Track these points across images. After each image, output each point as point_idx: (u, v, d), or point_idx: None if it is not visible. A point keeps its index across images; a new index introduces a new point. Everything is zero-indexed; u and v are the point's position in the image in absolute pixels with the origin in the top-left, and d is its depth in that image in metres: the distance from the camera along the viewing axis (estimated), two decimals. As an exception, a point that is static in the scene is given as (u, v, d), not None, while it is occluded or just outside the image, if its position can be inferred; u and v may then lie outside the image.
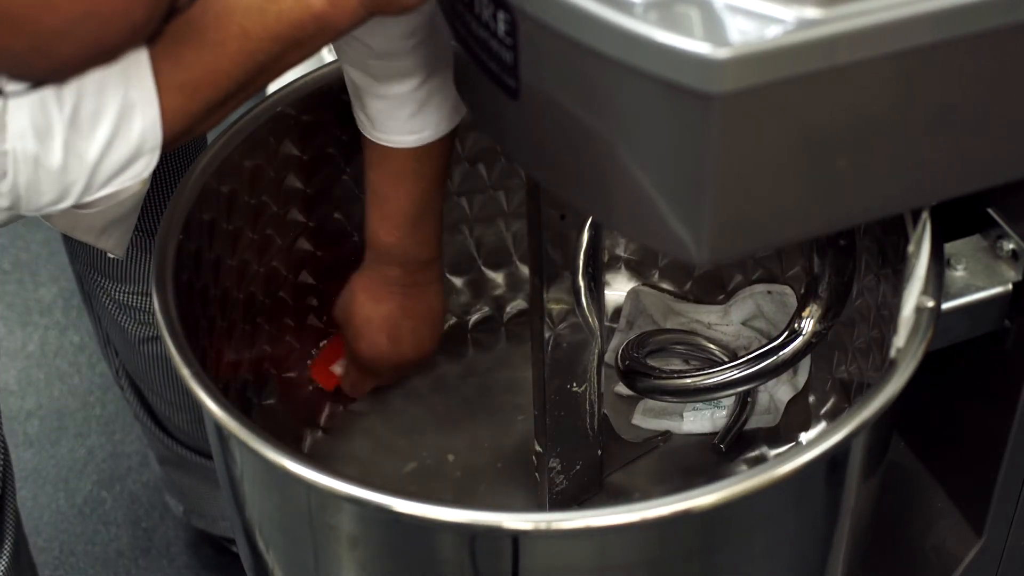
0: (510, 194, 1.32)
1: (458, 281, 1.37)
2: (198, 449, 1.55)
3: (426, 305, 1.21)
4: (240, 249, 1.18)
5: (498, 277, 1.38)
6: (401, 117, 1.10)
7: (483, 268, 1.38)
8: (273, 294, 1.24)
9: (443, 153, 1.14)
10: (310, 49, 0.91)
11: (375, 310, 1.19)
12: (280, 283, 1.25)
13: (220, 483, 1.05)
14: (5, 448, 1.18)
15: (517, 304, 1.37)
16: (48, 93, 0.81)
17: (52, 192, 0.85)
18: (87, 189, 0.86)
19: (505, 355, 1.35)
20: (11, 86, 0.78)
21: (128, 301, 1.36)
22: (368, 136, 1.13)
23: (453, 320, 1.37)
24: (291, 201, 1.23)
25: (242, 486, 0.98)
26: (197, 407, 1.42)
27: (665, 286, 1.35)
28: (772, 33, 0.68)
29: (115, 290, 1.36)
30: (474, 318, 1.37)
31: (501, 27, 0.77)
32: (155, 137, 0.86)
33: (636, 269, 1.37)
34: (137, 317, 1.38)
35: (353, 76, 1.09)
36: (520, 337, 1.33)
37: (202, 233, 1.11)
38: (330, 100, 1.19)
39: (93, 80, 0.81)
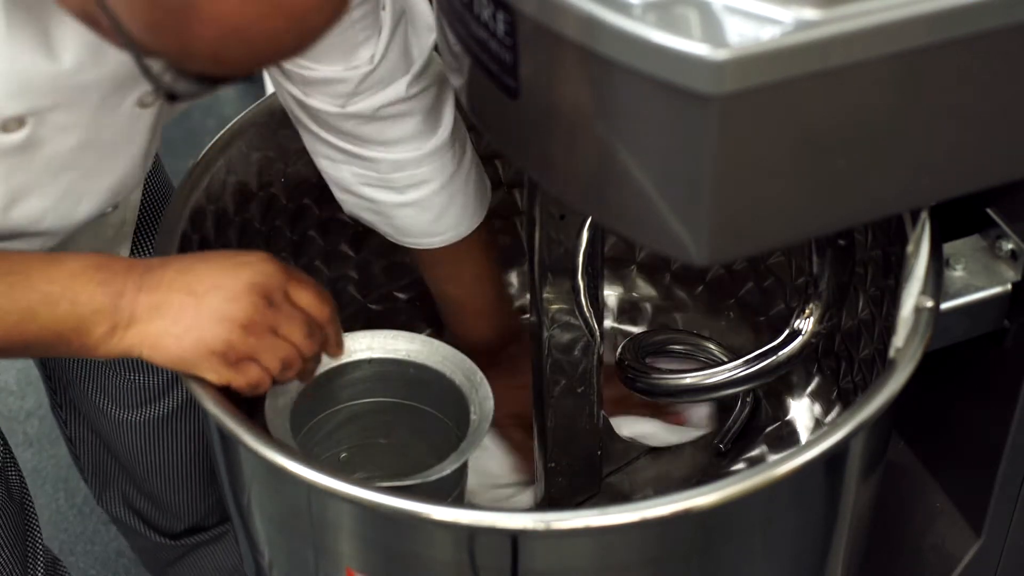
0: (525, 193, 1.32)
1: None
2: (200, 527, 1.54)
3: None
4: (247, 240, 1.18)
5: (511, 276, 1.39)
6: (426, 221, 1.12)
7: (496, 266, 1.38)
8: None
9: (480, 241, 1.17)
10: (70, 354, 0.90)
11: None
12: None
13: (220, 482, 1.05)
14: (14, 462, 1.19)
15: (524, 302, 1.37)
16: None
17: None
18: None
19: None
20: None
21: (119, 383, 1.34)
22: (398, 242, 1.15)
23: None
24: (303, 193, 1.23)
25: (242, 485, 0.98)
26: (197, 473, 1.43)
27: (677, 291, 1.36)
28: (771, 34, 0.68)
29: (107, 380, 1.34)
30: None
31: (501, 27, 0.77)
32: None
33: (648, 271, 1.37)
34: (132, 392, 1.38)
35: (370, 195, 1.11)
36: (526, 335, 1.33)
37: (208, 225, 1.11)
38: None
39: None
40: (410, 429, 1.11)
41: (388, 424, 1.10)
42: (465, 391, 1.06)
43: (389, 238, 1.15)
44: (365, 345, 1.05)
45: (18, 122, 0.86)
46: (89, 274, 0.87)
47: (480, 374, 1.06)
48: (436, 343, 1.08)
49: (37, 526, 1.26)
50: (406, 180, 1.09)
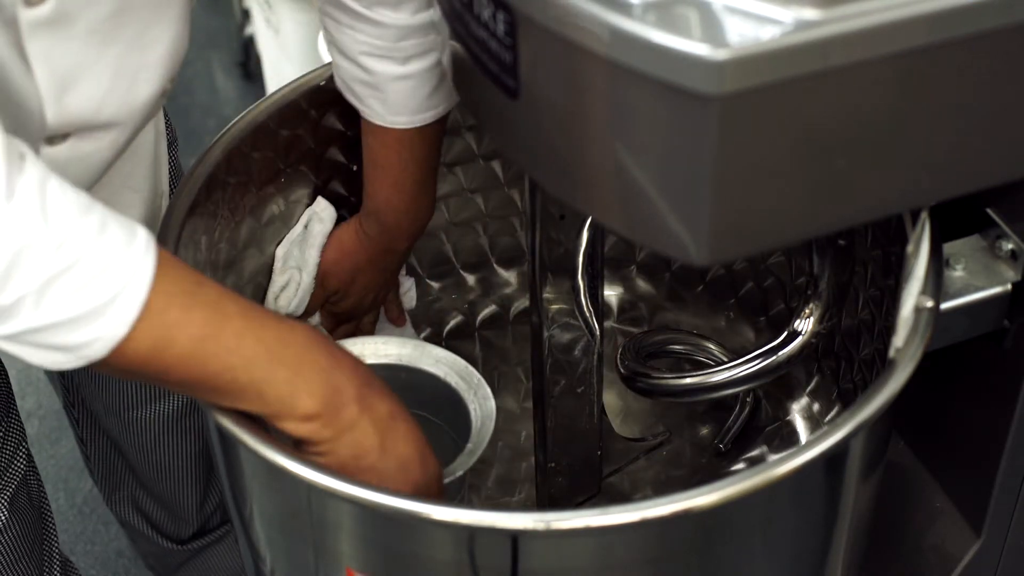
0: (525, 193, 1.32)
1: (470, 278, 1.38)
2: (206, 529, 1.55)
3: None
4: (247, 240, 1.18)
5: (510, 276, 1.39)
6: (422, 96, 1.10)
7: (496, 266, 1.38)
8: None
9: (446, 118, 1.15)
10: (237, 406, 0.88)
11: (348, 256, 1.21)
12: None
13: (220, 482, 1.05)
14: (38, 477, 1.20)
15: (524, 303, 1.37)
16: (51, 235, 0.76)
17: None
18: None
19: (510, 353, 1.36)
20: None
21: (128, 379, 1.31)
22: (382, 124, 1.13)
23: (460, 318, 1.37)
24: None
25: (243, 485, 0.98)
26: (204, 471, 1.43)
27: (677, 291, 1.36)
28: (771, 34, 0.68)
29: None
30: (481, 315, 1.37)
31: (501, 27, 0.77)
32: (96, 352, 0.79)
33: (648, 271, 1.37)
34: (141, 388, 1.37)
35: (371, 66, 1.09)
36: (526, 335, 1.34)
37: (207, 223, 1.11)
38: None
39: (95, 255, 0.77)
40: None
41: None
42: (462, 392, 1.05)
43: (370, 118, 1.13)
44: (356, 351, 1.05)
45: None
46: (319, 353, 0.86)
47: (477, 375, 1.06)
48: (428, 346, 1.08)
49: (54, 531, 1.27)
50: (411, 49, 1.08)
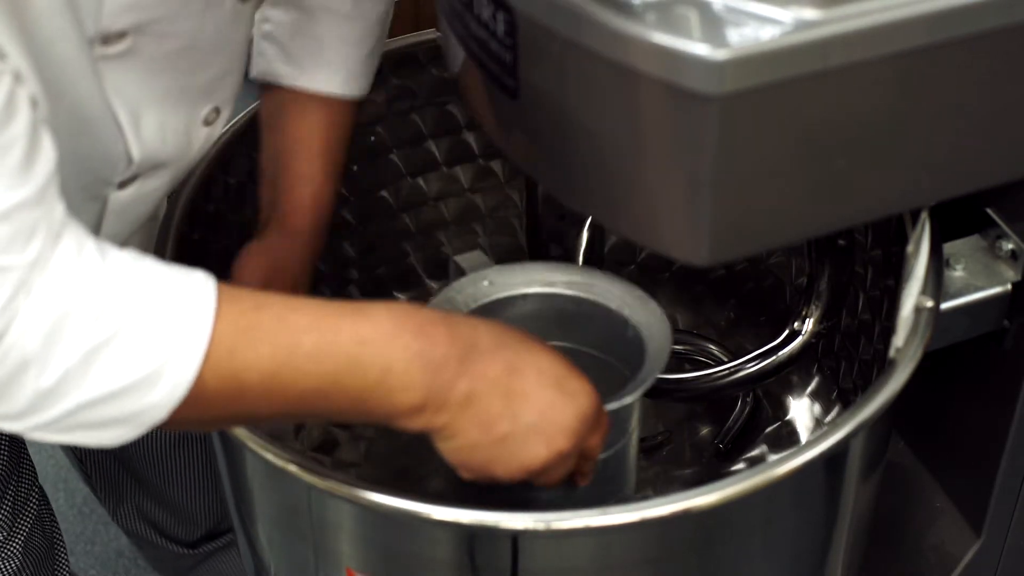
0: (525, 193, 1.32)
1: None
2: (216, 532, 1.54)
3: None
4: (247, 240, 1.18)
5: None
6: (359, 58, 1.06)
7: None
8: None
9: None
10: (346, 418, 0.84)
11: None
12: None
13: (221, 482, 1.05)
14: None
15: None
16: (90, 303, 0.72)
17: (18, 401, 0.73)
18: (49, 426, 0.74)
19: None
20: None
21: None
22: (312, 87, 1.07)
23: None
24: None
25: (243, 485, 0.98)
26: (211, 473, 1.43)
27: (677, 291, 1.36)
28: (770, 34, 0.68)
29: None
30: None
31: (501, 27, 0.77)
32: (155, 417, 0.75)
33: (648, 271, 1.37)
34: None
35: (317, 4, 1.05)
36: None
37: (206, 225, 1.11)
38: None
39: (144, 314, 0.73)
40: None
41: None
42: (635, 321, 0.95)
43: (299, 82, 1.07)
44: (522, 279, 0.95)
45: (120, 35, 0.82)
46: (406, 339, 0.78)
47: (651, 301, 0.95)
48: (599, 273, 0.97)
49: (65, 555, 1.26)
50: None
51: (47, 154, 0.72)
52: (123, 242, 0.99)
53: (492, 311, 0.96)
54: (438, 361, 0.78)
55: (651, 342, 0.93)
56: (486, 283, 0.97)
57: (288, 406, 0.78)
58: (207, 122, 0.96)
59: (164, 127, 0.91)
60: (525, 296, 0.97)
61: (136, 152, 0.90)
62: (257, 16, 1.04)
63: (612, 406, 0.88)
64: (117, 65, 0.84)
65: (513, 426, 0.81)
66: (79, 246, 0.73)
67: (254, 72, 1.10)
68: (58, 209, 0.73)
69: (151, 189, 0.96)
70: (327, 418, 0.80)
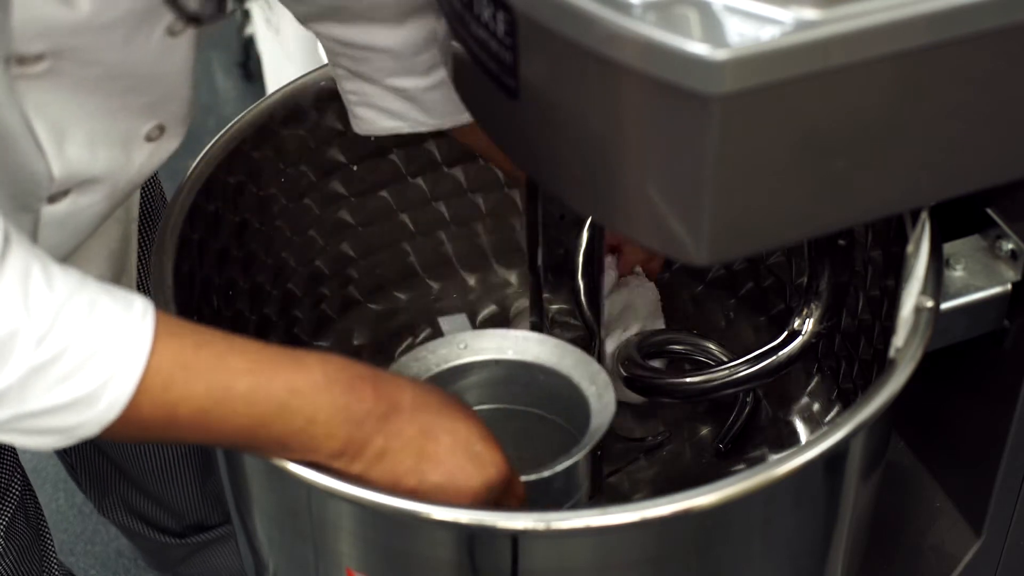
0: (525, 193, 1.32)
1: (470, 278, 1.38)
2: (205, 524, 1.54)
3: None
4: (247, 239, 1.18)
5: (510, 276, 1.39)
6: (456, 99, 1.07)
7: (496, 266, 1.38)
8: (281, 285, 1.24)
9: None
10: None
11: None
12: (288, 275, 1.25)
13: (221, 482, 1.05)
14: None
15: (524, 303, 1.37)
16: (35, 326, 0.74)
17: None
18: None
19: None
20: None
21: None
22: (430, 129, 1.13)
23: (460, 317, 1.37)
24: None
25: (242, 485, 0.98)
26: (193, 467, 1.43)
27: (677, 291, 1.36)
28: (771, 34, 0.68)
29: None
30: (481, 315, 1.37)
31: (501, 27, 0.77)
32: (88, 432, 0.78)
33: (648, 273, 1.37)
34: None
35: (398, 84, 1.09)
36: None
37: (207, 225, 1.11)
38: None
39: (84, 340, 0.76)
40: (531, 437, 1.05)
41: (513, 431, 1.03)
42: (581, 385, 1.00)
43: (422, 128, 1.13)
44: (495, 345, 1.01)
45: (37, 58, 0.82)
46: (335, 392, 0.83)
47: (597, 364, 1.00)
48: (567, 347, 1.03)
49: (52, 548, 1.27)
50: (429, 60, 1.08)
51: None
52: (76, 257, 1.01)
53: (463, 373, 1.02)
54: (360, 416, 0.84)
55: (594, 408, 0.99)
56: (462, 346, 1.03)
57: (215, 439, 0.83)
58: (149, 138, 0.95)
59: (94, 144, 0.90)
60: (497, 361, 1.02)
61: (57, 169, 0.89)
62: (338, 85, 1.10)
63: (558, 468, 0.94)
64: (37, 84, 0.84)
65: (419, 484, 0.86)
66: (25, 269, 0.75)
67: (360, 131, 1.15)
68: (2, 224, 0.74)
69: (87, 204, 0.94)
70: (252, 453, 0.84)
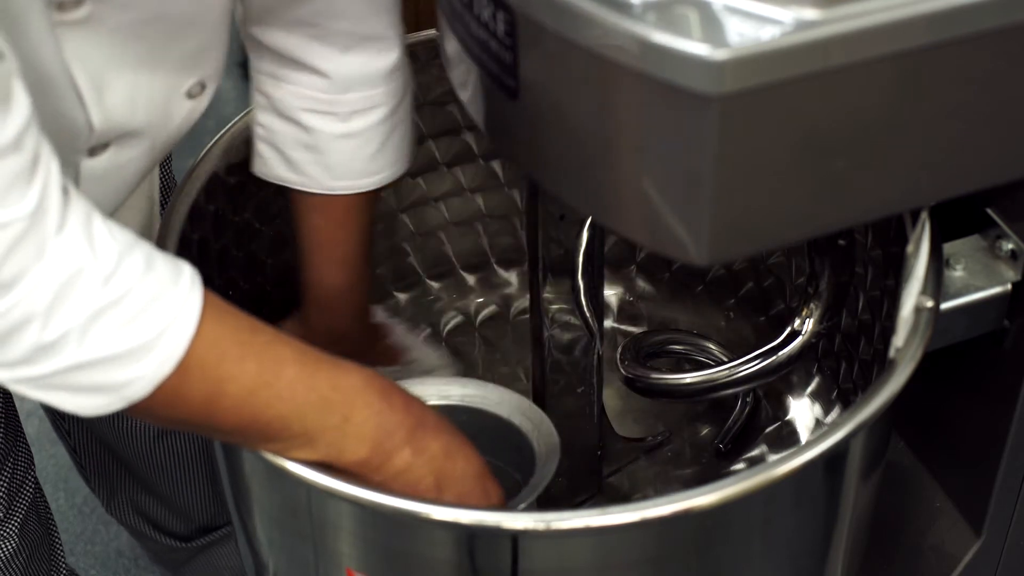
0: (525, 193, 1.32)
1: (470, 278, 1.38)
2: (211, 526, 1.54)
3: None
4: (247, 240, 1.18)
5: (510, 276, 1.39)
6: (365, 156, 1.07)
7: (496, 266, 1.38)
8: (282, 286, 1.24)
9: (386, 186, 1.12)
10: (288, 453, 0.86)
11: None
12: (289, 276, 1.25)
13: (221, 482, 1.05)
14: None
15: (524, 303, 1.37)
16: (101, 266, 0.74)
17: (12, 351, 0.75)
18: (36, 380, 0.77)
19: (510, 353, 1.36)
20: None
21: None
22: (319, 191, 1.09)
23: (460, 318, 1.37)
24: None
25: (242, 485, 0.98)
26: (204, 469, 1.43)
27: (677, 291, 1.36)
28: (771, 34, 0.68)
29: None
30: (481, 315, 1.37)
31: (501, 27, 0.77)
32: (138, 391, 0.78)
33: (648, 271, 1.38)
34: None
35: (311, 124, 1.05)
36: (526, 335, 1.34)
37: (206, 225, 1.11)
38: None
39: (142, 290, 0.76)
40: None
41: None
42: (525, 431, 1.03)
43: (310, 188, 1.08)
44: (418, 393, 1.00)
45: (76, 2, 0.82)
46: (371, 396, 0.85)
47: (540, 412, 1.03)
48: (491, 386, 1.05)
49: (61, 547, 1.27)
50: (355, 104, 1.04)
51: (20, 101, 0.72)
52: (117, 219, 0.99)
53: None
54: (391, 426, 0.85)
55: (539, 451, 1.01)
56: None
57: (254, 427, 0.82)
58: (191, 95, 0.95)
59: (135, 96, 0.90)
60: (443, 407, 1.03)
61: (97, 120, 0.88)
62: (252, 117, 1.07)
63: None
64: (77, 32, 0.84)
65: (436, 501, 0.87)
66: (88, 217, 0.75)
67: (255, 171, 1.11)
68: (45, 153, 0.74)
69: (127, 159, 0.94)
70: (275, 448, 0.84)
